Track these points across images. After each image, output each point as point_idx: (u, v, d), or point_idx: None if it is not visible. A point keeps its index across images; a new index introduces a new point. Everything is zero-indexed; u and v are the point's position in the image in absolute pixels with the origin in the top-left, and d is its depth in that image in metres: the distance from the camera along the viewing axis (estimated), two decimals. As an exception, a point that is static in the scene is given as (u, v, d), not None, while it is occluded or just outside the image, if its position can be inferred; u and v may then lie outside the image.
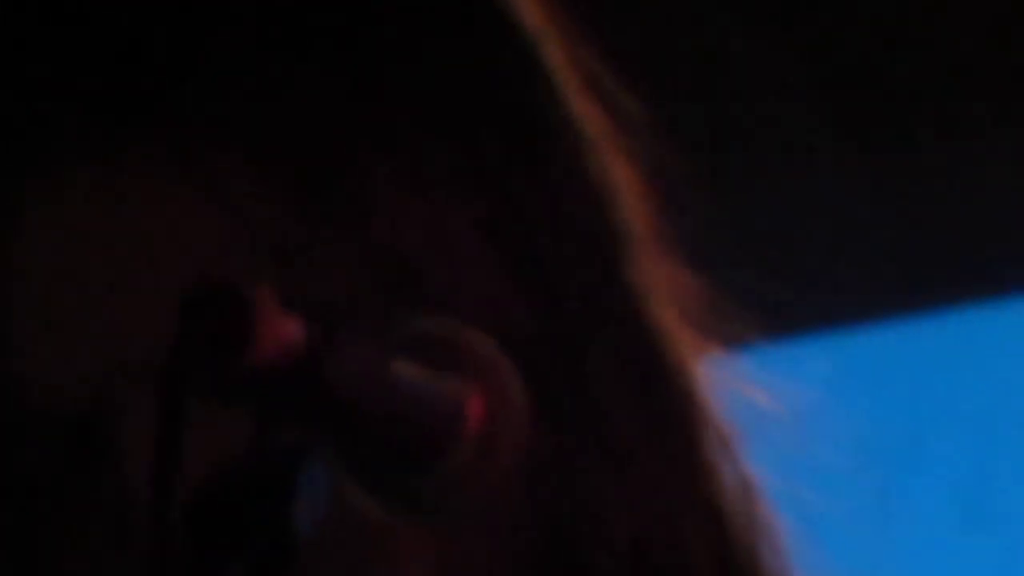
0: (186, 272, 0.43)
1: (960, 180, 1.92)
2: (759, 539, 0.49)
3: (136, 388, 0.42)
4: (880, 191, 1.89)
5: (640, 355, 0.48)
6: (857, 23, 1.92)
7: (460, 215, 0.46)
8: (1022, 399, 1.72)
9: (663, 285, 0.48)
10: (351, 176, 0.45)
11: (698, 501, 0.47)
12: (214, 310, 0.39)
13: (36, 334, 0.43)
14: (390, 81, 0.46)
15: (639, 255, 0.48)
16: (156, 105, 0.44)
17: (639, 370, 0.47)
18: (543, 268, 0.46)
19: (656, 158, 0.50)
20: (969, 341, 1.77)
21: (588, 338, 0.47)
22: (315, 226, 0.45)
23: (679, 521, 0.46)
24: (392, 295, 0.45)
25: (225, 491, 0.40)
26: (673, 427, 0.48)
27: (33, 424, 0.42)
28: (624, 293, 0.48)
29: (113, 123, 0.44)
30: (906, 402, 1.70)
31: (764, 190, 1.79)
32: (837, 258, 1.80)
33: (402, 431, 0.41)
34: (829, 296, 1.65)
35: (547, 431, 0.44)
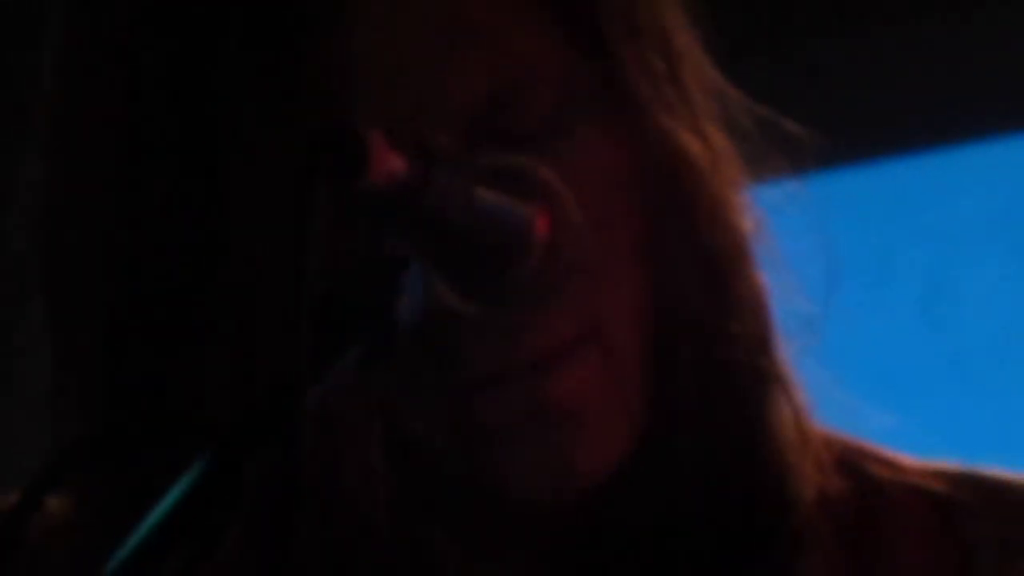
0: (482, 60, 0.56)
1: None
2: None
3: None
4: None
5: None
6: None
7: None
8: (978, 219, 1.90)
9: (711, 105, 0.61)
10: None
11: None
12: (338, 145, 0.48)
13: (373, 89, 0.55)
14: None
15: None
16: None
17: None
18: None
19: None
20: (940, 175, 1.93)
21: None
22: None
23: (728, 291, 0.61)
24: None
25: (345, 289, 0.50)
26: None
27: None
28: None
29: None
30: (880, 222, 1.87)
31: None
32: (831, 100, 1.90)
33: (483, 242, 0.51)
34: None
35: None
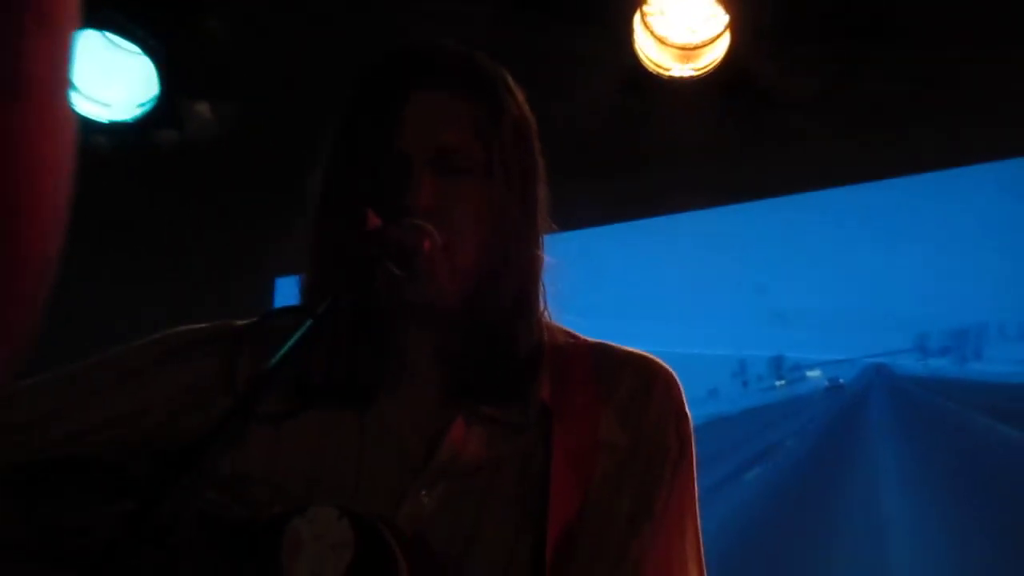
0: None
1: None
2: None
3: None
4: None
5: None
6: None
7: None
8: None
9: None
10: None
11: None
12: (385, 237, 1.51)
13: (407, 135, 1.54)
14: None
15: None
16: None
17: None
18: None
19: None
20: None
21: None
22: None
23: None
24: None
25: (377, 240, 1.50)
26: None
27: None
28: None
29: None
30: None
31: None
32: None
33: (405, 251, 1.52)
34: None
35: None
